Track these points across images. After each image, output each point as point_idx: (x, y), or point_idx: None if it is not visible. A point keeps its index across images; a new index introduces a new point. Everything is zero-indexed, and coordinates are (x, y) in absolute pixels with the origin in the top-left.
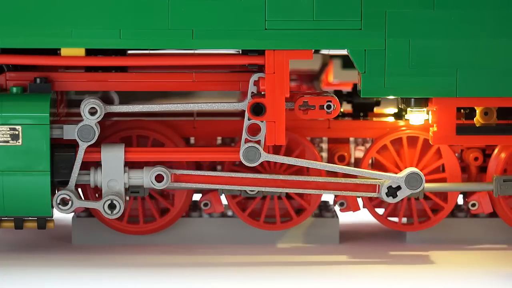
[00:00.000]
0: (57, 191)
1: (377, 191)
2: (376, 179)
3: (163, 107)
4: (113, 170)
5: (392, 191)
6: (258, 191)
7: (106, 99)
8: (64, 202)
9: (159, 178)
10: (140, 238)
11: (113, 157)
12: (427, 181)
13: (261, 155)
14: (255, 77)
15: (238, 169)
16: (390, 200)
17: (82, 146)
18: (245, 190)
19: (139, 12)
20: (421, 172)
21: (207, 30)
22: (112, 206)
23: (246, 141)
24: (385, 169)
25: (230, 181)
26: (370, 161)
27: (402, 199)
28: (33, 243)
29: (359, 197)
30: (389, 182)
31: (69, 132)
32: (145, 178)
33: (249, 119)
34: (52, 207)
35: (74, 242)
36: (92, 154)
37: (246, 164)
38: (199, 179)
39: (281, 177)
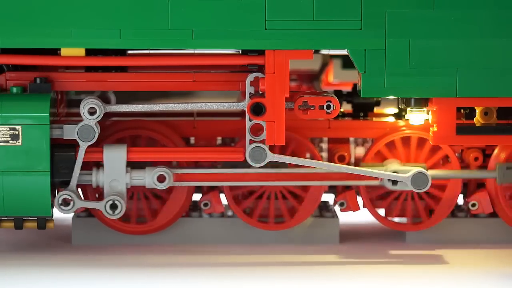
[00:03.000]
0: (58, 192)
1: None
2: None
3: (163, 107)
4: (115, 170)
5: None
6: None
7: (104, 99)
8: (65, 202)
9: (161, 179)
10: (140, 238)
11: (115, 157)
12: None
13: (267, 155)
14: (251, 77)
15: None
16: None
17: (83, 146)
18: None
19: (139, 12)
20: (427, 171)
21: (207, 30)
22: (113, 206)
23: (251, 142)
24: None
25: (232, 178)
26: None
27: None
28: (33, 243)
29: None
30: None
31: (69, 132)
32: (147, 178)
33: (251, 120)
34: (52, 207)
35: (74, 242)
36: (93, 154)
37: (253, 165)
38: (200, 177)
39: (283, 170)
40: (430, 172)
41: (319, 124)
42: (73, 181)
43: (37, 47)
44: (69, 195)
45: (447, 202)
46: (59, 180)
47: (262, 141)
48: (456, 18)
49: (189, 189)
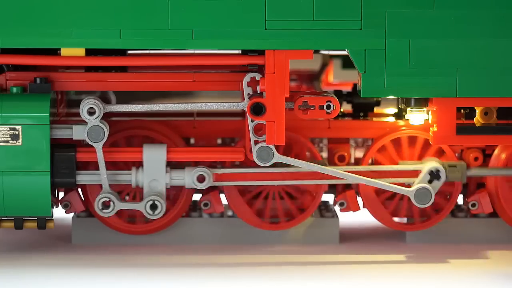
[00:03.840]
0: (58, 191)
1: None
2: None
3: (163, 107)
4: (155, 170)
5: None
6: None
7: (104, 100)
8: (105, 205)
9: (201, 179)
10: (140, 238)
11: (155, 157)
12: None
13: (274, 155)
14: (247, 78)
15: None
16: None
17: (98, 147)
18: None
19: (139, 12)
20: (430, 187)
21: (207, 30)
22: (154, 207)
23: (256, 142)
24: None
25: (273, 177)
26: (370, 160)
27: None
28: (33, 243)
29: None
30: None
31: (79, 132)
32: (187, 178)
33: (252, 121)
34: (52, 207)
35: (74, 242)
36: (86, 154)
37: (260, 164)
38: (241, 177)
39: (328, 169)
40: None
41: (319, 124)
42: (104, 183)
43: (37, 47)
44: (107, 197)
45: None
46: (58, 180)
47: (265, 141)
48: (456, 18)
49: (189, 189)
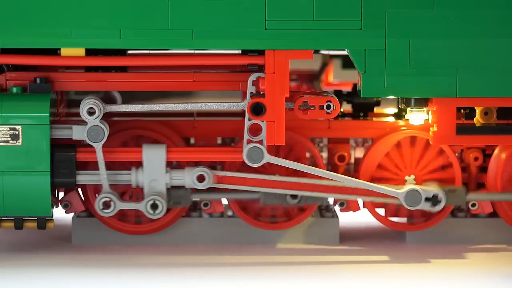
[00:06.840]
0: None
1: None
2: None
3: (163, 107)
4: (155, 170)
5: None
6: (300, 200)
7: (109, 99)
8: (106, 205)
9: (200, 179)
10: (140, 238)
11: (154, 157)
12: (429, 181)
13: (264, 156)
14: (253, 77)
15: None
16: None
17: (98, 147)
18: (285, 199)
19: (139, 12)
20: (420, 189)
21: (207, 30)
22: (154, 206)
23: (248, 141)
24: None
25: (274, 185)
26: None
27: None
28: (33, 243)
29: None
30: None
31: (79, 132)
32: (186, 178)
33: (250, 120)
34: (52, 207)
35: (74, 242)
36: (86, 154)
37: (250, 165)
38: (241, 181)
39: (323, 182)
40: (472, 196)
41: (319, 124)
42: (104, 182)
43: (37, 47)
44: (108, 197)
45: None
46: (58, 180)
47: (260, 142)
48: (456, 18)
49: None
